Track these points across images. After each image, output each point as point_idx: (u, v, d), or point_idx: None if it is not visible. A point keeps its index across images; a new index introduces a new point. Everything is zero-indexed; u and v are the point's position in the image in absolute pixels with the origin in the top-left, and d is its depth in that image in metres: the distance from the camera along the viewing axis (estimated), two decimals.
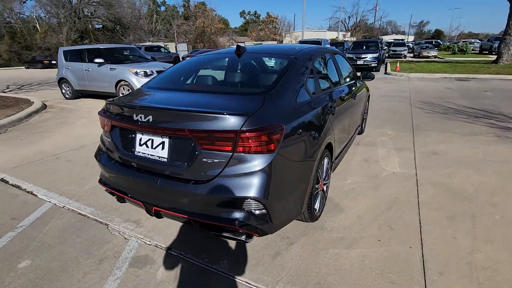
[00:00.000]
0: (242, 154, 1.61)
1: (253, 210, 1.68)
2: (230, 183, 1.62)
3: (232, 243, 2.18)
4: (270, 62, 2.47)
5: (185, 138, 1.68)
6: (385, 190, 2.94)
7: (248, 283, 1.82)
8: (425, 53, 24.52)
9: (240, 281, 1.84)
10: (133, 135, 1.90)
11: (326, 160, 2.42)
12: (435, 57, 23.91)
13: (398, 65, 14.99)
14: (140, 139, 1.87)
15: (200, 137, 1.62)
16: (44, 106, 7.43)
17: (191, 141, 1.65)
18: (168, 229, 2.35)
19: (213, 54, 2.83)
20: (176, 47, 36.27)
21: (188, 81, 2.41)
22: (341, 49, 18.59)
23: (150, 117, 1.73)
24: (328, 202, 2.73)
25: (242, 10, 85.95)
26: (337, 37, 41.96)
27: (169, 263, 1.99)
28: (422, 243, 2.15)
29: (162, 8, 55.80)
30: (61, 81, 8.52)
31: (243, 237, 1.72)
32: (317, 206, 2.34)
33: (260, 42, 43.53)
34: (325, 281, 1.82)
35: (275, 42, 46.83)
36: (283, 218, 1.86)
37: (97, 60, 7.47)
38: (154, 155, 1.81)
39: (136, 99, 2.08)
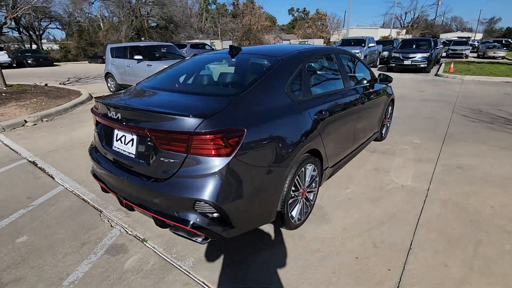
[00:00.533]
0: (196, 156, 1.62)
1: (207, 213, 1.68)
2: (184, 184, 1.64)
3: (198, 244, 2.21)
4: (260, 63, 2.42)
5: (147, 137, 1.74)
6: (385, 204, 2.71)
7: (204, 284, 1.83)
8: (491, 54, 21.85)
9: (197, 280, 1.86)
10: (111, 131, 2.02)
11: (310, 167, 2.30)
12: (503, 58, 21.17)
13: (452, 66, 13.57)
14: (117, 135, 1.98)
15: (157, 137, 1.67)
16: (90, 98, 8.23)
17: (151, 140, 1.71)
18: (151, 221, 2.46)
19: (208, 55, 2.87)
20: (222, 44, 37.33)
21: (174, 81, 2.48)
22: (390, 48, 17.39)
23: (119, 115, 1.83)
24: (318, 210, 2.61)
25: (291, 7, 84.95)
26: (389, 35, 39.27)
27: (140, 254, 2.09)
28: (404, 267, 1.95)
29: (213, 7, 57.71)
30: (107, 75, 9.34)
31: (198, 239, 1.74)
32: (295, 214, 2.25)
33: (305, 41, 42.68)
34: None
35: (322, 40, 45.57)
36: (243, 223, 1.82)
37: (136, 57, 8.04)
38: (125, 151, 1.91)
39: (117, 97, 2.19)
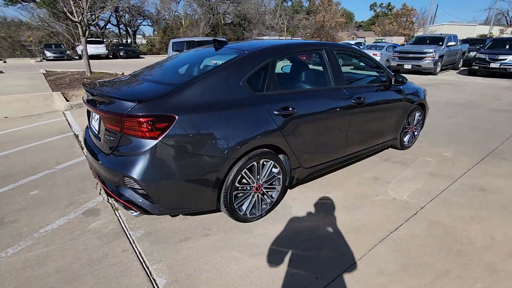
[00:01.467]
0: (128, 136, 1.80)
1: (136, 189, 1.86)
2: (119, 160, 1.85)
3: (161, 218, 2.41)
4: (228, 56, 2.44)
5: (100, 117, 2.00)
6: (359, 214, 2.49)
7: (139, 253, 2.03)
8: None
9: (135, 249, 2.06)
10: (90, 112, 2.36)
11: (269, 163, 2.28)
12: None
13: None
14: (94, 115, 2.31)
15: (103, 117, 1.91)
16: None
17: (101, 119, 1.96)
18: None
19: (202, 49, 3.02)
20: None
21: (153, 71, 2.67)
22: (478, 48, 14.85)
23: (90, 98, 2.14)
24: (284, 209, 2.56)
25: (373, 2, 78.92)
26: (489, 33, 33.33)
27: (105, 220, 2.40)
28: (334, 280, 1.81)
29: (289, 3, 57.72)
30: None
31: (132, 212, 1.93)
32: (245, 207, 2.27)
33: (382, 38, 39.39)
34: (197, 275, 1.83)
35: (403, 38, 41.44)
36: (171, 204, 1.95)
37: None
38: (94, 127, 2.22)
39: (99, 82, 2.50)
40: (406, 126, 3.77)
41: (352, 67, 3.84)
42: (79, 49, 23.00)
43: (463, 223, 2.37)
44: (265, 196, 2.39)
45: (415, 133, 4.07)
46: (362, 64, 3.48)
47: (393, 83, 3.29)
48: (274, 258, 1.99)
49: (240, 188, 2.18)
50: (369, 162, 3.57)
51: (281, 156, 2.40)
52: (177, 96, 1.89)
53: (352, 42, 25.18)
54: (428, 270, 1.88)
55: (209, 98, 1.99)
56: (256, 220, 2.38)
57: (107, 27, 37.68)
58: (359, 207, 2.60)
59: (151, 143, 1.78)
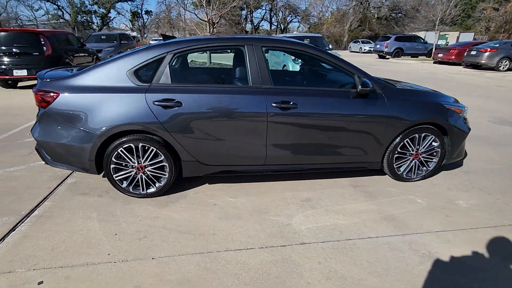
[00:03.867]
0: (38, 107, 2.50)
1: (39, 143, 2.55)
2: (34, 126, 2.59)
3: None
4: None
5: None
6: (231, 224, 2.30)
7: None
8: None
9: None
10: None
11: (151, 149, 2.46)
12: None
13: None
14: None
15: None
16: None
17: None
18: None
19: None
20: (458, 37, 30.08)
21: None
22: None
23: None
24: (169, 196, 2.68)
25: None
26: None
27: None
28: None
29: None
30: None
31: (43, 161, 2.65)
32: (125, 184, 2.56)
33: None
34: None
35: None
36: (57, 159, 2.52)
37: None
38: None
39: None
40: (399, 151, 2.84)
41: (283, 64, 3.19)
42: None
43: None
44: (149, 179, 2.60)
45: (429, 164, 2.98)
46: (304, 61, 2.87)
47: (359, 90, 2.58)
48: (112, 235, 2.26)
49: (116, 162, 2.50)
50: (328, 183, 2.97)
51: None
52: (68, 79, 2.43)
53: None
54: None
55: (95, 83, 2.41)
56: (136, 196, 2.63)
57: (260, 24, 42.50)
58: (239, 218, 2.38)
59: (42, 111, 2.41)
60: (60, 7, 34.38)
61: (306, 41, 9.43)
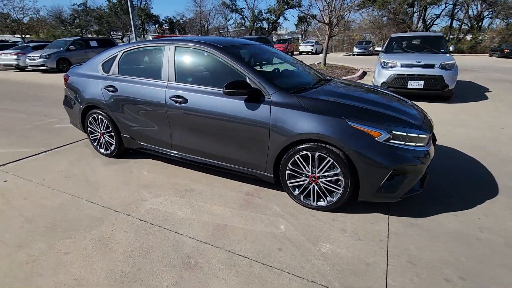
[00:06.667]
0: None
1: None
2: None
3: None
4: None
5: None
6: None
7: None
8: None
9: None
10: None
11: (104, 120, 3.42)
12: None
13: None
14: None
15: None
16: (363, 74, 10.15)
17: None
18: None
19: None
20: None
21: None
22: None
23: None
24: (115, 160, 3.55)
25: None
26: None
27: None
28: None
29: None
30: None
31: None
32: (103, 149, 3.66)
33: None
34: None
35: None
36: (72, 120, 3.90)
37: None
38: None
39: None
40: (291, 167, 2.47)
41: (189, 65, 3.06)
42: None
43: None
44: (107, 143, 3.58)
45: (333, 195, 2.40)
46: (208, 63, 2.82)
47: (224, 90, 2.46)
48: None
49: (93, 127, 3.61)
50: (228, 184, 2.95)
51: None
52: (76, 68, 3.73)
53: None
54: None
55: (85, 72, 3.58)
56: (106, 156, 3.66)
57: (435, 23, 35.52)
58: (127, 184, 2.95)
59: (64, 86, 3.84)
60: (244, 16, 42.17)
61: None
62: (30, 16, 38.44)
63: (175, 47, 2.95)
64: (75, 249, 2.05)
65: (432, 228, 2.26)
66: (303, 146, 2.35)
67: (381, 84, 6.93)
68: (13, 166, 3.40)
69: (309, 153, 2.35)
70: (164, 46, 3.02)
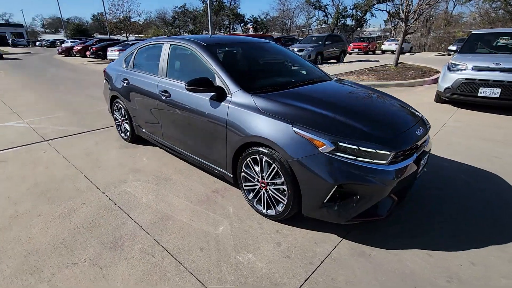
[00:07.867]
0: None
1: None
2: None
3: None
4: None
5: None
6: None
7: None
8: None
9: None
10: None
11: (121, 106, 3.92)
12: None
13: None
14: None
15: None
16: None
17: None
18: None
19: None
20: None
21: None
22: None
23: None
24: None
25: None
26: None
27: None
28: None
29: None
30: None
31: None
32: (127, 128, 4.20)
33: None
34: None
35: None
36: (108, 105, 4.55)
37: None
38: None
39: None
40: (244, 170, 2.39)
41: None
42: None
43: None
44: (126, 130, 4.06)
45: (279, 204, 2.23)
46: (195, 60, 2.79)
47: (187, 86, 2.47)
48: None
49: (116, 116, 4.16)
50: (205, 179, 3.01)
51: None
52: (110, 64, 4.31)
53: None
54: None
55: (114, 66, 4.13)
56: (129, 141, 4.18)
57: None
58: (121, 165, 3.33)
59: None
60: (327, 13, 40.73)
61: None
62: (145, 18, 45.71)
63: (170, 44, 3.15)
64: (46, 213, 2.45)
65: (384, 263, 1.88)
66: (254, 149, 2.24)
67: (444, 90, 5.85)
68: (58, 140, 4.20)
69: (257, 157, 2.23)
70: (163, 43, 3.26)
